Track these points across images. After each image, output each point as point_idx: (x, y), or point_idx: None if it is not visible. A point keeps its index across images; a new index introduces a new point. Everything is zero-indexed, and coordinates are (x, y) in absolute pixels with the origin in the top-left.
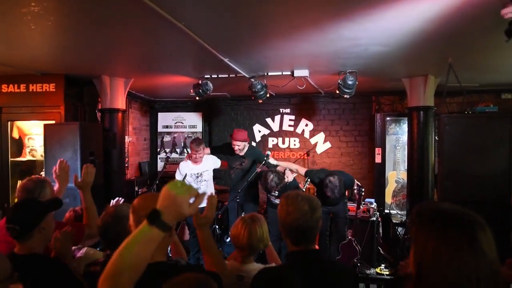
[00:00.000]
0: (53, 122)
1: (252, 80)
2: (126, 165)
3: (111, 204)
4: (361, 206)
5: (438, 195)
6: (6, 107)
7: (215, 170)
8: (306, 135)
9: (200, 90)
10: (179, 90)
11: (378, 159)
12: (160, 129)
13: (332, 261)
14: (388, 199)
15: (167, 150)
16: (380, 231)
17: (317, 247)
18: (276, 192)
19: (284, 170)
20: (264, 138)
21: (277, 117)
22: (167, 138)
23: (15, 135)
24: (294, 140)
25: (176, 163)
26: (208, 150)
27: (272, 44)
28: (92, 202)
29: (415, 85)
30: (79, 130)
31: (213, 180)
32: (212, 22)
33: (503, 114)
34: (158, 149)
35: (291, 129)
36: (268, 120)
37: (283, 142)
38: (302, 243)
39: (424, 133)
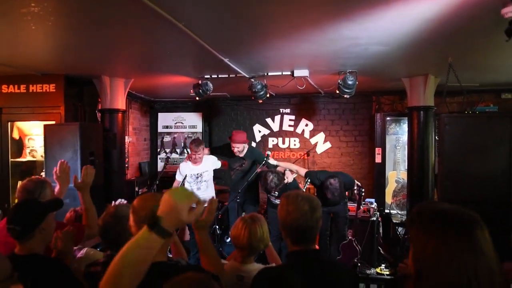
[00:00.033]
0: (53, 122)
1: (252, 80)
2: (126, 165)
3: (112, 205)
4: (361, 207)
5: (438, 195)
6: (6, 108)
7: (215, 170)
8: (306, 135)
9: (200, 90)
10: (179, 90)
11: (378, 159)
12: (160, 129)
13: (332, 261)
14: (388, 199)
15: (167, 150)
16: (380, 231)
17: (317, 247)
18: (276, 192)
19: (284, 171)
20: (264, 138)
21: (277, 117)
22: (167, 138)
23: (15, 135)
24: (294, 140)
25: (176, 163)
26: (207, 150)
27: (272, 44)
28: (91, 203)
29: (415, 85)
30: (79, 131)
31: (213, 180)
32: (212, 22)
33: (503, 114)
34: (158, 149)
35: (291, 129)
36: (268, 120)
37: (283, 142)
38: (302, 243)
39: (424, 133)
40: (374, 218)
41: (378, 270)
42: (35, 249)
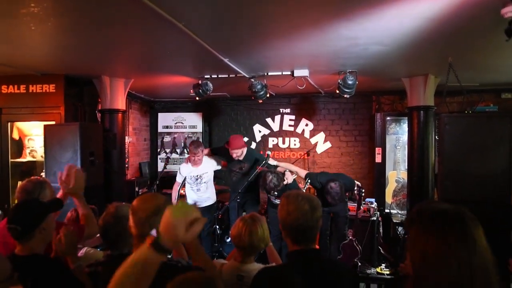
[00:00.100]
0: (53, 122)
1: (252, 80)
2: (126, 165)
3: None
4: (361, 207)
5: (438, 194)
6: (6, 108)
7: (215, 170)
8: (306, 135)
9: (200, 90)
10: (179, 90)
11: (378, 159)
12: (160, 129)
13: (333, 261)
14: (389, 199)
15: (167, 150)
16: (381, 230)
17: (317, 246)
18: (276, 192)
19: (284, 171)
20: (264, 138)
21: (277, 117)
22: (167, 139)
23: (15, 136)
24: (294, 140)
25: (176, 163)
26: (207, 151)
27: (272, 44)
28: (88, 207)
29: (415, 84)
30: (79, 131)
31: (214, 180)
32: (212, 22)
33: (503, 114)
34: (158, 150)
35: (291, 129)
36: (268, 120)
37: (283, 142)
38: (302, 242)
39: (424, 133)
40: (374, 218)
41: (378, 269)
42: (35, 249)
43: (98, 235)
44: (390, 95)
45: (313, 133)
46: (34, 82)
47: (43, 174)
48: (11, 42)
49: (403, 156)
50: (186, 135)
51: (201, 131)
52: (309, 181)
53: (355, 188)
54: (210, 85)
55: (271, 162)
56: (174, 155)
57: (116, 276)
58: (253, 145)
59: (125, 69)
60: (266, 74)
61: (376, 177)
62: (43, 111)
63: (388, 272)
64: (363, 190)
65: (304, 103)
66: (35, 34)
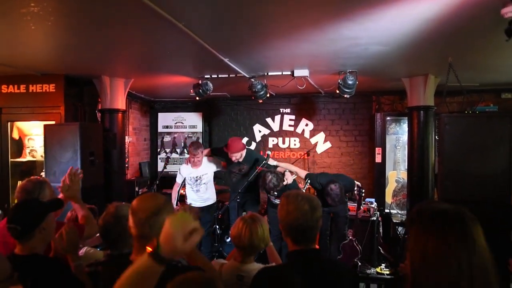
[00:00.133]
0: (53, 122)
1: (252, 80)
2: (126, 165)
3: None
4: (361, 207)
5: (438, 194)
6: (6, 108)
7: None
8: (306, 135)
9: (200, 90)
10: (179, 90)
11: (378, 159)
12: (160, 129)
13: (332, 261)
14: (389, 199)
15: (167, 150)
16: (381, 230)
17: (317, 246)
18: (276, 192)
19: (284, 172)
20: (264, 138)
21: (277, 117)
22: (167, 138)
23: (15, 135)
24: (294, 140)
25: (176, 163)
26: (207, 151)
27: (272, 44)
28: (87, 208)
29: (415, 84)
30: (79, 131)
31: (214, 180)
32: (212, 22)
33: (503, 114)
34: (158, 149)
35: (291, 129)
36: (268, 120)
37: (283, 142)
38: (302, 242)
39: (424, 133)
40: (374, 218)
41: (378, 269)
42: (35, 249)
43: (98, 234)
44: (390, 95)
45: (313, 133)
46: (34, 82)
47: (43, 174)
48: (11, 41)
49: (403, 156)
50: (186, 135)
51: (201, 131)
52: (308, 181)
53: (355, 188)
54: (210, 85)
55: (271, 162)
56: (174, 155)
57: (117, 287)
58: (253, 145)
59: (125, 69)
60: (266, 74)
61: (376, 177)
62: (43, 111)
63: (388, 272)
64: (363, 190)
65: (304, 103)
66: (35, 33)
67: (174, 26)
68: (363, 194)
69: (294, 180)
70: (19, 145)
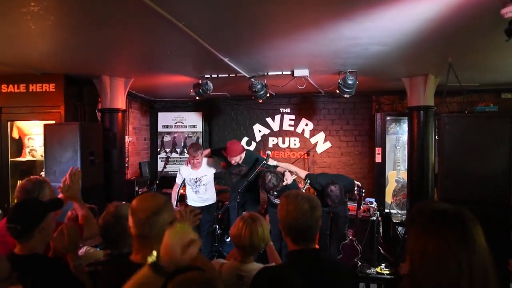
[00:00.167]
0: (53, 122)
1: (252, 79)
2: (126, 165)
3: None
4: (361, 207)
5: (438, 194)
6: (6, 107)
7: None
8: (306, 134)
9: (200, 90)
10: (179, 90)
11: (378, 159)
12: (160, 129)
13: (332, 260)
14: (388, 199)
15: (167, 150)
16: (380, 230)
17: (317, 246)
18: (276, 192)
19: (284, 172)
20: (264, 137)
21: (277, 117)
22: (167, 138)
23: (15, 135)
24: (294, 140)
25: (176, 163)
26: (207, 151)
27: (272, 44)
28: (87, 208)
29: (415, 84)
30: (79, 130)
31: (214, 180)
32: (212, 22)
33: (503, 114)
34: (158, 149)
35: (291, 128)
36: (268, 119)
37: (283, 142)
38: (302, 242)
39: (424, 133)
40: (374, 218)
41: (378, 269)
42: (35, 249)
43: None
44: (390, 95)
45: (313, 133)
46: (34, 82)
47: (42, 173)
48: (11, 41)
49: (403, 156)
50: (186, 135)
51: (201, 130)
52: (308, 181)
53: (355, 188)
54: (210, 84)
55: (271, 162)
56: (174, 155)
57: None
58: (253, 145)
59: (125, 68)
60: (266, 73)
61: (376, 177)
62: (43, 110)
63: (388, 272)
64: (363, 190)
65: (304, 103)
66: (35, 33)
67: (174, 26)
68: (363, 194)
69: (294, 180)
70: (19, 145)
